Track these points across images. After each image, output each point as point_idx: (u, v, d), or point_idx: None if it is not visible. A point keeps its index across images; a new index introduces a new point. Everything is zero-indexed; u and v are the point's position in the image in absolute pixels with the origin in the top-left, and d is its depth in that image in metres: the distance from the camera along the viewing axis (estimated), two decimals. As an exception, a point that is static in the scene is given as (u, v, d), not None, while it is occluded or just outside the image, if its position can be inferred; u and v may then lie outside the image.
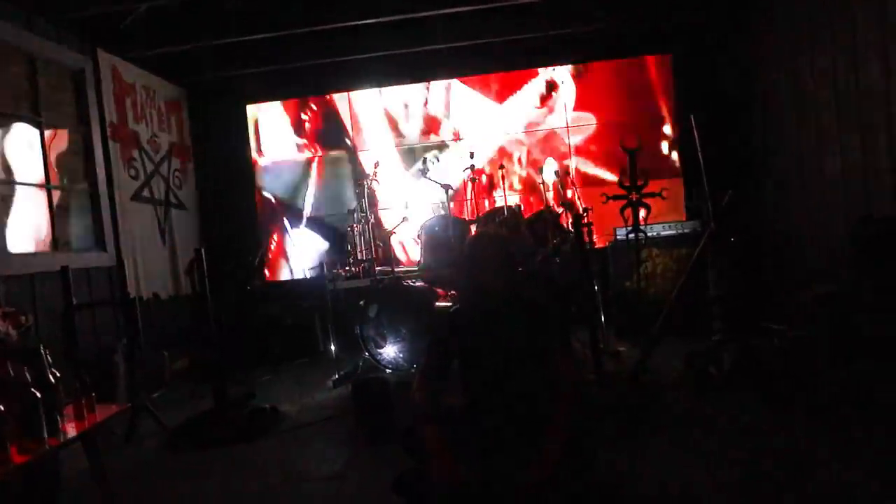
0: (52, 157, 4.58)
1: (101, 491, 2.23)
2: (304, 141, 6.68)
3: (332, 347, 4.93)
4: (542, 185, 5.26)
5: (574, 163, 6.37)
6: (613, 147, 5.39)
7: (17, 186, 4.28)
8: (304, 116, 6.70)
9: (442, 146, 6.55)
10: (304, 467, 3.15)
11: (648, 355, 3.86)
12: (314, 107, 6.69)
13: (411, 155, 6.58)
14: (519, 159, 6.42)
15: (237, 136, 6.65)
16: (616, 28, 5.89)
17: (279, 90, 6.60)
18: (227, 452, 3.46)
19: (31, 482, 2.79)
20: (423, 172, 6.20)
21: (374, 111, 6.60)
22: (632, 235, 4.29)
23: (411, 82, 6.51)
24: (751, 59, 5.60)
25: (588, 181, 6.28)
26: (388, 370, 4.63)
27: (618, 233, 5.30)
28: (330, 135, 6.66)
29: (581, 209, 4.89)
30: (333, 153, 6.67)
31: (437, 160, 6.53)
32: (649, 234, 4.54)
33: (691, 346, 4.07)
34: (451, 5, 5.07)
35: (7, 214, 4.11)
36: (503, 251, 2.22)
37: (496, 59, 6.32)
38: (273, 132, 6.70)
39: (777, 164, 5.29)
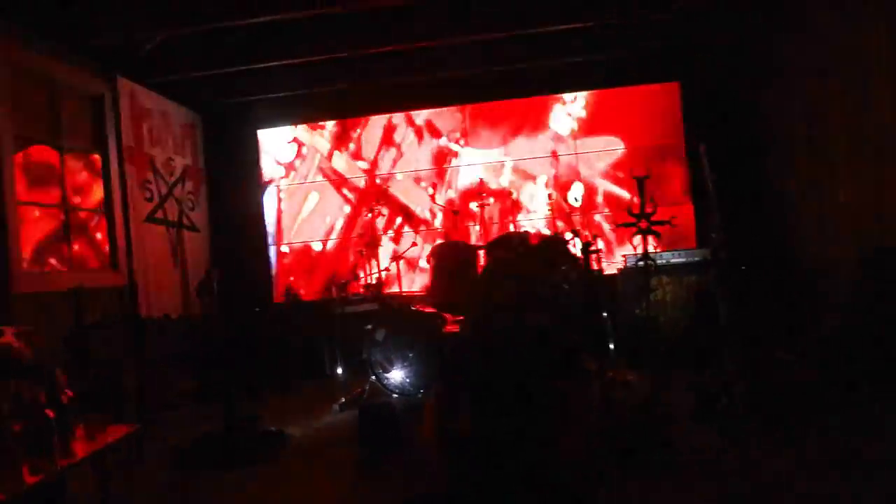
0: (70, 179, 4.67)
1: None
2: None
3: (340, 371, 4.93)
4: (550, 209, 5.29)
5: (579, 189, 6.40)
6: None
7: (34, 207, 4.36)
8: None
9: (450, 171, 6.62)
10: (308, 493, 3.14)
11: (661, 389, 3.83)
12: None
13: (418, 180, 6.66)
14: (547, 183, 6.46)
15: (248, 159, 6.75)
16: (626, 56, 5.97)
17: (289, 115, 6.71)
18: (233, 475, 3.45)
19: (41, 499, 2.81)
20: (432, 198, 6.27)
21: (383, 135, 6.70)
22: (641, 263, 4.28)
23: (421, 108, 6.62)
24: (761, 87, 5.66)
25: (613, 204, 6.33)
26: (394, 395, 4.62)
27: (628, 260, 5.30)
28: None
29: (590, 236, 4.91)
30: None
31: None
32: (659, 262, 4.53)
33: (701, 378, 4.04)
34: (464, 32, 5.18)
35: (23, 234, 4.17)
36: (517, 279, 2.26)
37: (508, 86, 6.42)
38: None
39: (789, 192, 5.30)
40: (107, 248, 4.97)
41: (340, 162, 6.69)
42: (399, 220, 6.54)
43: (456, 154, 6.54)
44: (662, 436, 3.41)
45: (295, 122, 6.76)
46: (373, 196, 5.95)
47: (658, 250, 4.31)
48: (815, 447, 3.13)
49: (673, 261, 5.20)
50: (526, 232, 4.90)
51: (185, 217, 6.02)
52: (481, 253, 4.96)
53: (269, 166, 6.78)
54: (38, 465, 1.83)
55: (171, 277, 5.67)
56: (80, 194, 4.82)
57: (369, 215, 5.43)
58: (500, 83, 6.36)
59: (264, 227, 6.75)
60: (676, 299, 5.19)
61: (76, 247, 4.69)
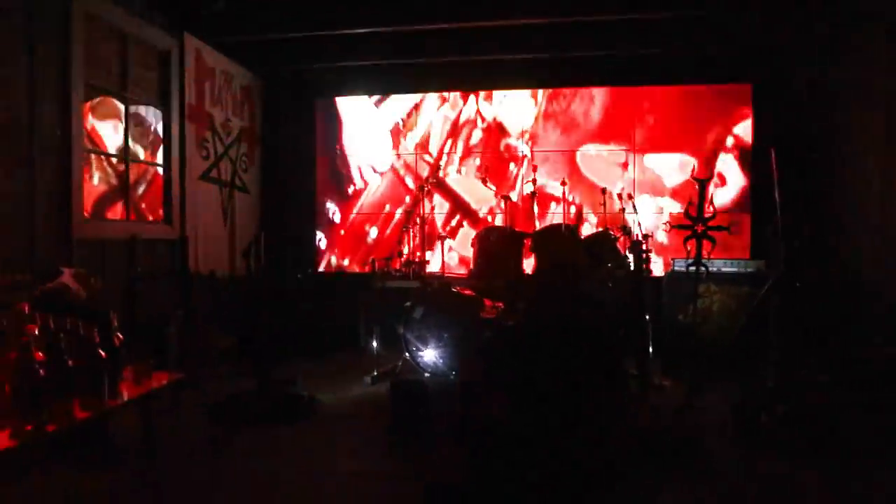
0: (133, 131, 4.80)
1: (146, 452, 2.30)
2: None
3: (374, 344, 4.97)
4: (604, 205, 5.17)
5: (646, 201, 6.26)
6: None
7: (99, 156, 4.50)
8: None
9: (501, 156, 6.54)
10: (333, 459, 3.18)
11: (697, 393, 3.74)
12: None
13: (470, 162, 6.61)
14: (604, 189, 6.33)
15: (305, 128, 6.82)
16: (697, 53, 5.77)
17: (348, 87, 6.73)
18: (262, 433, 3.54)
19: (86, 437, 2.93)
20: (484, 180, 6.21)
21: (435, 116, 6.67)
22: (692, 268, 4.16)
23: (485, 90, 6.56)
24: (836, 95, 5.39)
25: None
26: (426, 373, 4.64)
27: (676, 263, 5.17)
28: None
29: (641, 235, 4.79)
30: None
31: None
32: (710, 269, 4.39)
33: (742, 390, 3.93)
34: (529, 15, 5.08)
35: (87, 182, 4.31)
36: (578, 277, 2.26)
37: (571, 75, 6.30)
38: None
39: (854, 207, 5.06)
40: (162, 201, 5.10)
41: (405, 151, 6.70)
42: (457, 217, 6.55)
43: (522, 158, 6.46)
44: (692, 443, 3.33)
45: (353, 94, 6.78)
46: (429, 182, 5.94)
47: (710, 257, 4.18)
48: (841, 474, 3.02)
49: (724, 269, 5.05)
50: (576, 224, 4.80)
51: (237, 178, 6.13)
52: (527, 241, 4.89)
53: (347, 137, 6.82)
54: (88, 401, 1.90)
55: (220, 235, 5.80)
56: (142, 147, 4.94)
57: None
58: (573, 70, 6.24)
59: (315, 195, 6.82)
60: (723, 309, 5.04)
61: (135, 198, 4.82)
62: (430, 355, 4.68)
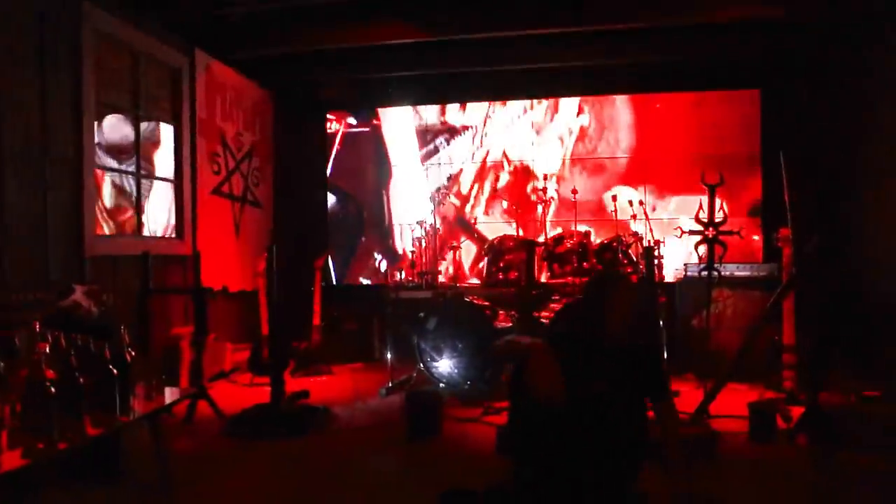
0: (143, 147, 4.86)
1: (159, 468, 2.30)
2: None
3: (388, 355, 4.96)
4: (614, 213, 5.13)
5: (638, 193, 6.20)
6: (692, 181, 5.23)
7: (109, 173, 4.55)
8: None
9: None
10: (350, 471, 3.17)
11: (712, 398, 3.69)
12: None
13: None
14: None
15: (315, 140, 6.86)
16: (704, 60, 5.74)
17: (357, 100, 6.77)
18: (277, 446, 3.53)
19: (97, 453, 2.94)
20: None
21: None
22: (704, 273, 4.13)
23: (487, 100, 6.57)
24: (845, 101, 5.34)
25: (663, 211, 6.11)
26: (441, 384, 4.62)
27: (689, 268, 5.12)
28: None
29: (652, 241, 4.76)
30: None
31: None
32: (723, 274, 4.35)
33: (757, 394, 3.89)
34: (538, 26, 5.08)
35: (98, 199, 4.36)
36: (637, 300, 2.31)
37: (575, 83, 6.29)
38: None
39: (867, 210, 4.99)
40: (174, 217, 5.14)
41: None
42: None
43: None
44: (709, 448, 3.29)
45: (362, 107, 6.83)
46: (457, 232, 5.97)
47: (721, 262, 4.15)
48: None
49: (737, 273, 5.00)
50: (587, 232, 4.78)
51: (249, 192, 6.17)
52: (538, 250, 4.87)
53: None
54: (99, 418, 1.91)
55: (232, 250, 5.83)
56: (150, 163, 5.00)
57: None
58: (569, 80, 6.23)
59: (325, 208, 6.86)
60: (737, 313, 4.99)
61: (146, 214, 4.86)
62: (444, 365, 4.66)
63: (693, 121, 6.20)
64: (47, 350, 1.91)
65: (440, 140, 6.70)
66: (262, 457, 3.39)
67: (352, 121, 6.94)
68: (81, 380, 1.86)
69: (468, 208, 6.58)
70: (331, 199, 7.00)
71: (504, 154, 6.54)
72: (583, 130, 6.40)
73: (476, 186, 6.60)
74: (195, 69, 5.27)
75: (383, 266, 6.67)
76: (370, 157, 6.94)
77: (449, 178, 6.55)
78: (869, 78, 5.04)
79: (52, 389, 1.73)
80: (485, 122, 6.62)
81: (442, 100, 6.65)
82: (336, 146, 6.95)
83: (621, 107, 6.38)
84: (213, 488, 2.95)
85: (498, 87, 6.44)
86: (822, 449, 3.23)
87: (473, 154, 6.63)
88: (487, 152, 6.60)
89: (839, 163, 5.47)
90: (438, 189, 5.89)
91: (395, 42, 5.37)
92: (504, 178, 6.54)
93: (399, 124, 6.86)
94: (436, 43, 5.38)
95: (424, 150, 6.76)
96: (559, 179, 6.34)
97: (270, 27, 5.37)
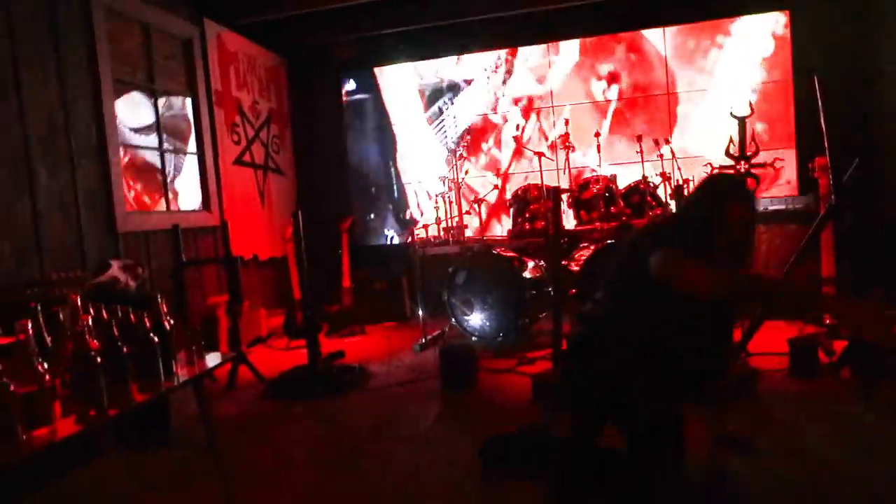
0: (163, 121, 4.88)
1: (207, 431, 2.38)
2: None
3: (420, 312, 5.00)
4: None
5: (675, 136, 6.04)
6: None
7: (135, 150, 4.59)
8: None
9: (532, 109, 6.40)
10: (389, 426, 3.24)
11: (751, 336, 3.64)
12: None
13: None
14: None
15: (331, 103, 6.80)
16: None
17: (371, 57, 6.65)
18: (318, 406, 3.62)
19: (147, 419, 3.06)
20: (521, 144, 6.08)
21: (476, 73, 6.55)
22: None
23: (495, 48, 6.41)
24: (881, 18, 5.05)
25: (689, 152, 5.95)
26: (473, 337, 4.66)
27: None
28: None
29: (680, 181, 4.64)
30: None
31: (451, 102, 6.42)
32: (757, 209, 4.24)
33: (797, 330, 3.82)
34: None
35: (127, 176, 4.41)
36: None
37: (590, 22, 6.07)
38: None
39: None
40: (199, 189, 5.19)
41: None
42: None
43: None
44: (749, 385, 3.27)
45: (377, 64, 6.71)
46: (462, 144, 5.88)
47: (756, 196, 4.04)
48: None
49: (772, 208, 4.87)
50: (613, 175, 4.68)
51: (270, 160, 6.19)
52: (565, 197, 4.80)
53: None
54: (145, 385, 1.96)
55: (259, 218, 5.89)
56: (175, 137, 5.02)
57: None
58: (588, 18, 6.02)
59: (346, 169, 6.84)
60: (773, 249, 4.88)
61: (172, 188, 4.92)
62: (476, 319, 4.69)
63: (723, 48, 5.95)
64: (90, 322, 1.95)
65: (444, 100, 6.58)
66: (304, 416, 3.48)
67: (350, 87, 6.83)
68: (125, 349, 1.91)
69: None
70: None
71: (529, 99, 6.41)
72: (612, 74, 6.21)
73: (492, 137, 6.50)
74: (206, 40, 5.23)
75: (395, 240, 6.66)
76: (373, 126, 6.84)
77: (463, 134, 6.45)
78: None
79: (98, 359, 1.78)
80: (496, 69, 6.46)
81: (456, 51, 6.49)
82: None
83: (650, 41, 6.14)
84: (258, 447, 3.06)
85: (506, 34, 6.25)
86: (867, 381, 3.18)
87: (497, 100, 6.49)
88: (497, 101, 6.47)
89: (873, 86, 5.21)
90: (457, 143, 5.81)
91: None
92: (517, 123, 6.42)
93: (400, 85, 6.72)
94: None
95: (429, 112, 6.64)
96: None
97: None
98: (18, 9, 3.50)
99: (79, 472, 2.73)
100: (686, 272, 1.95)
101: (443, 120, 6.59)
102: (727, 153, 3.96)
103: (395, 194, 6.82)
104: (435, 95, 6.61)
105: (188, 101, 5.12)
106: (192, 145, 5.16)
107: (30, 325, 1.73)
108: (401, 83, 6.72)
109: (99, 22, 4.07)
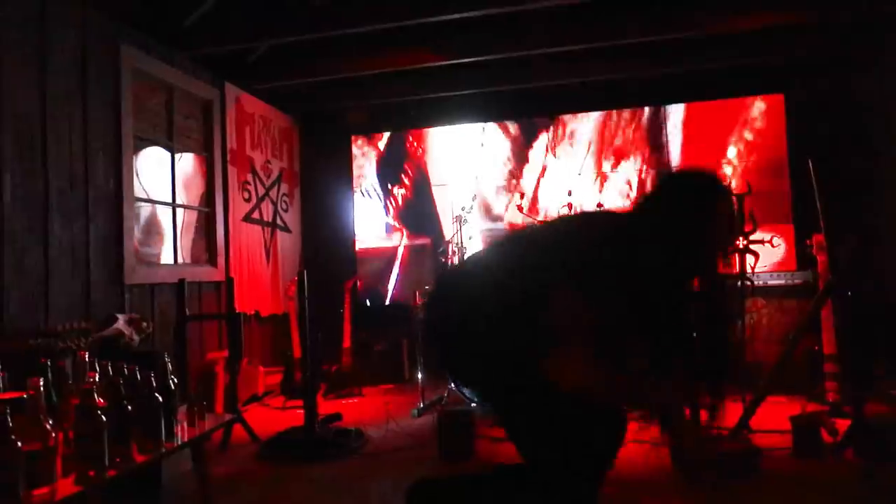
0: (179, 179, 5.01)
1: (202, 493, 2.35)
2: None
3: (419, 375, 4.97)
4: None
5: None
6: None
7: (146, 204, 4.70)
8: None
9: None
10: (384, 494, 3.18)
11: (752, 412, 3.62)
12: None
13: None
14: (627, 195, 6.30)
15: (341, 165, 6.97)
16: (727, 66, 5.71)
17: (381, 123, 6.88)
18: (313, 470, 3.55)
19: (139, 481, 3.01)
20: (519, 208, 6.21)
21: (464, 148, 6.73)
22: (737, 283, 4.08)
23: (508, 119, 6.62)
24: (874, 101, 5.25)
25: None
26: (472, 403, 4.61)
27: (720, 280, 5.06)
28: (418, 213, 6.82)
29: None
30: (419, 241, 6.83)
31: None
32: (756, 284, 4.30)
33: (799, 407, 3.80)
34: (555, 44, 5.13)
35: (137, 230, 4.49)
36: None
37: (598, 98, 6.31)
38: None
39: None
40: (206, 244, 5.27)
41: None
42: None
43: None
44: (752, 464, 3.22)
45: (385, 130, 6.92)
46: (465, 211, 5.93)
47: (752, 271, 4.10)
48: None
49: (772, 282, 4.92)
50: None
51: (279, 218, 6.30)
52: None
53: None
54: (145, 444, 1.96)
55: (263, 275, 5.94)
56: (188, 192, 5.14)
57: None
58: (588, 96, 6.26)
59: (352, 230, 6.94)
60: (773, 323, 4.91)
61: (182, 242, 5.00)
62: (474, 384, 4.65)
63: (717, 129, 6.15)
64: (97, 379, 1.97)
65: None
66: (298, 480, 3.41)
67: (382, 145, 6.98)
68: (129, 407, 1.92)
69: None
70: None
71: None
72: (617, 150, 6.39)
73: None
74: (225, 102, 5.43)
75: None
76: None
77: (473, 199, 6.56)
78: (893, 76, 4.96)
79: (104, 418, 1.79)
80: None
81: (472, 119, 6.69)
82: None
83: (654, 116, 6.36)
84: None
85: (521, 106, 6.48)
86: (871, 464, 3.14)
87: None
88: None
89: (866, 164, 5.36)
90: (462, 209, 5.92)
91: (416, 67, 5.49)
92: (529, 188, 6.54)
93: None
94: (455, 65, 5.48)
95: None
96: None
97: (293, 59, 5.57)
98: (52, 65, 3.67)
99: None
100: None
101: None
102: (727, 229, 4.04)
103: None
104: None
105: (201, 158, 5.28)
106: (204, 201, 5.28)
107: (41, 382, 1.75)
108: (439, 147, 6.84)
109: (126, 81, 4.26)
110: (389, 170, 6.90)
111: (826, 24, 4.97)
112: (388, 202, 6.88)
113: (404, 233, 6.82)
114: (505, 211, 6.59)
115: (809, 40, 5.27)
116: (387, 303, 6.76)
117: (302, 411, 4.05)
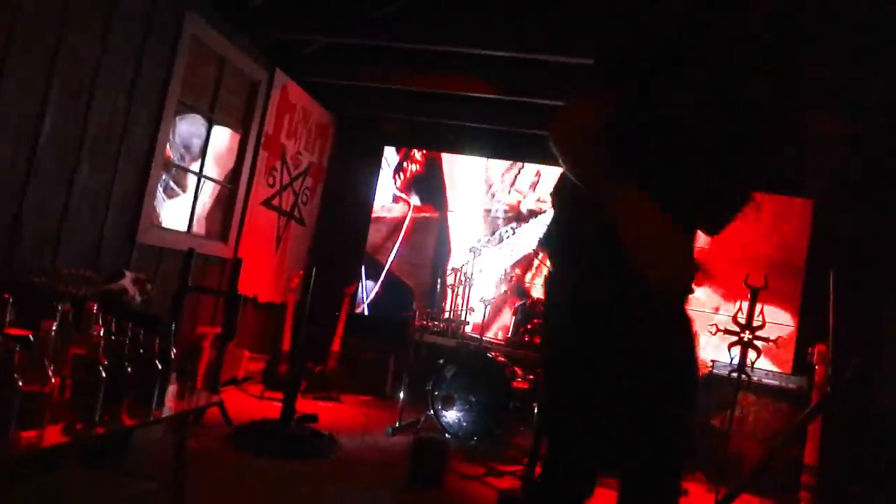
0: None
1: (176, 466, 2.32)
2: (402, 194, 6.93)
3: (401, 395, 4.95)
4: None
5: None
6: (733, 282, 5.22)
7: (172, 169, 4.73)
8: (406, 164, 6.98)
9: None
10: (356, 497, 3.15)
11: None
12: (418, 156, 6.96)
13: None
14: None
15: (368, 171, 7.02)
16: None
17: (412, 139, 6.95)
18: (281, 466, 3.53)
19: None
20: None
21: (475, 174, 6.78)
22: (734, 375, 4.08)
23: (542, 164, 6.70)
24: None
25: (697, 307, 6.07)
26: (447, 434, 4.58)
27: (716, 366, 5.06)
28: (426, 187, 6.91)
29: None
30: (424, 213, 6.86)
31: (513, 232, 6.57)
32: (752, 379, 4.30)
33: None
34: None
35: (157, 190, 4.52)
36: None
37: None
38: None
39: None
40: (222, 220, 5.29)
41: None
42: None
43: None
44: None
45: (413, 146, 6.98)
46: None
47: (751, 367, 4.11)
48: None
49: (766, 381, 4.91)
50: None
51: (296, 209, 6.33)
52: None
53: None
54: (136, 409, 1.95)
55: (269, 261, 5.95)
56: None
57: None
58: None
59: (365, 237, 6.95)
60: (759, 421, 4.88)
61: (199, 213, 5.01)
62: (453, 416, 4.63)
63: (745, 225, 6.20)
64: (102, 333, 1.97)
65: (507, 228, 6.68)
66: (267, 473, 3.39)
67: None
68: (129, 369, 1.92)
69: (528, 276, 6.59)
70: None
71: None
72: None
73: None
74: (272, 86, 5.50)
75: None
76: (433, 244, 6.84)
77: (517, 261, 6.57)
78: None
79: (104, 374, 1.78)
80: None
81: (504, 155, 6.75)
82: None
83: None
84: (211, 494, 2.95)
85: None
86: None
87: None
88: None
89: (885, 285, 5.39)
90: (477, 242, 5.91)
91: (462, 93, 5.57)
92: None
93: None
94: (505, 101, 5.55)
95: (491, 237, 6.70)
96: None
97: (345, 59, 5.66)
98: (118, 15, 3.72)
99: (31, 482, 2.63)
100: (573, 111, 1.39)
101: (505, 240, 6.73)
102: (734, 320, 4.06)
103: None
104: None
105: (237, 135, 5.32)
106: (229, 177, 5.31)
107: (53, 326, 1.75)
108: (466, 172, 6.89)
109: (184, 47, 4.32)
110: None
111: (863, 136, 5.05)
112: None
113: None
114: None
115: (844, 151, 5.34)
116: (366, 313, 6.75)
117: (279, 404, 4.03)
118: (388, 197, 6.97)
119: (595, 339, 1.50)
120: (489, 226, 6.71)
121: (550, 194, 1.65)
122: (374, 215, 6.95)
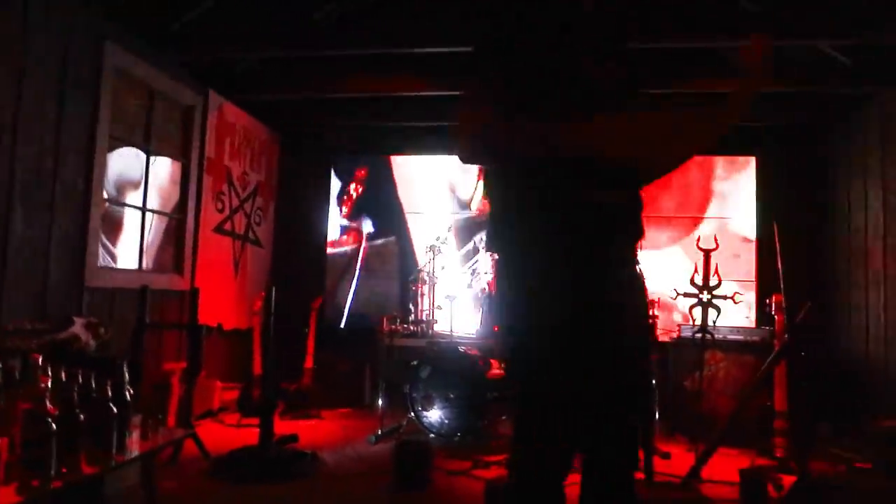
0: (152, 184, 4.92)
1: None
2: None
3: (380, 402, 4.93)
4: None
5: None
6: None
7: (115, 207, 4.60)
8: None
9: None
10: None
11: (704, 462, 3.68)
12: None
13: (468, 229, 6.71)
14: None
15: (319, 183, 6.95)
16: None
17: (361, 146, 6.91)
18: (264, 491, 3.48)
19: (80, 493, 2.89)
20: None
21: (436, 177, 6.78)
22: (698, 335, 4.17)
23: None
24: (840, 168, 5.52)
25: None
26: (431, 434, 4.58)
27: (683, 330, 5.17)
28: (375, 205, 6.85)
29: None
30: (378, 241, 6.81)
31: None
32: (716, 337, 4.40)
33: (749, 460, 3.88)
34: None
35: (101, 231, 4.39)
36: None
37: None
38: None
39: (859, 280, 5.10)
40: (174, 252, 5.17)
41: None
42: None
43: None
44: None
45: (364, 153, 6.94)
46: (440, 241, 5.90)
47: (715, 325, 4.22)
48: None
49: (730, 337, 5.04)
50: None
51: (251, 231, 6.23)
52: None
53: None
54: (96, 455, 1.90)
55: (229, 288, 5.84)
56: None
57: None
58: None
59: (324, 250, 6.88)
60: (729, 377, 5.01)
61: (147, 247, 4.89)
62: (434, 415, 4.63)
63: (692, 183, 6.35)
64: (49, 384, 1.91)
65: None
66: (247, 500, 3.34)
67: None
68: (81, 416, 1.87)
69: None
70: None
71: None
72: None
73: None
74: (207, 109, 5.40)
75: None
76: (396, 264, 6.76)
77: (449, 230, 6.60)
78: (861, 145, 5.22)
79: (54, 426, 1.73)
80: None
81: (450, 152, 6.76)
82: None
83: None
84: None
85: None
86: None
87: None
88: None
89: (832, 231, 5.60)
90: (436, 239, 5.93)
91: (403, 94, 5.56)
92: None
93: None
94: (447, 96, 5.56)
95: (464, 250, 6.63)
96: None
97: (281, 73, 5.59)
98: (32, 55, 3.60)
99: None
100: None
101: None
102: (692, 282, 4.15)
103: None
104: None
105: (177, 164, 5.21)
106: (176, 207, 5.20)
107: (-9, 384, 1.69)
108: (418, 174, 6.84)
109: (107, 79, 4.20)
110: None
111: (802, 93, 5.23)
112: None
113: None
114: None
115: (785, 106, 5.52)
116: (343, 324, 6.70)
117: (257, 430, 3.97)
118: (335, 231, 6.84)
119: (543, 333, 1.61)
120: (463, 231, 6.67)
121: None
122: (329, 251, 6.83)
